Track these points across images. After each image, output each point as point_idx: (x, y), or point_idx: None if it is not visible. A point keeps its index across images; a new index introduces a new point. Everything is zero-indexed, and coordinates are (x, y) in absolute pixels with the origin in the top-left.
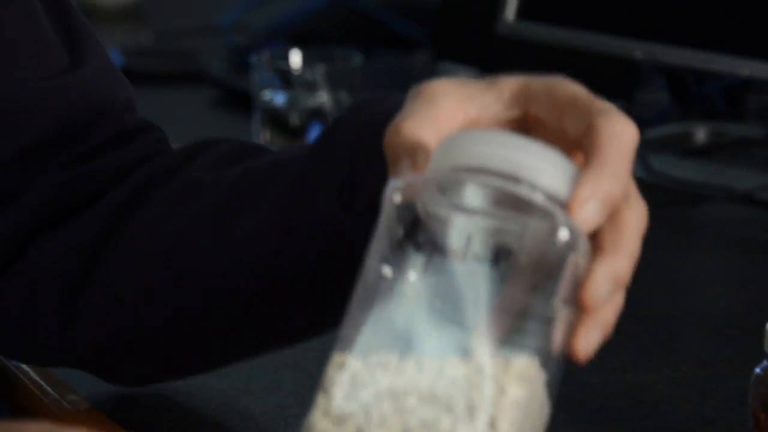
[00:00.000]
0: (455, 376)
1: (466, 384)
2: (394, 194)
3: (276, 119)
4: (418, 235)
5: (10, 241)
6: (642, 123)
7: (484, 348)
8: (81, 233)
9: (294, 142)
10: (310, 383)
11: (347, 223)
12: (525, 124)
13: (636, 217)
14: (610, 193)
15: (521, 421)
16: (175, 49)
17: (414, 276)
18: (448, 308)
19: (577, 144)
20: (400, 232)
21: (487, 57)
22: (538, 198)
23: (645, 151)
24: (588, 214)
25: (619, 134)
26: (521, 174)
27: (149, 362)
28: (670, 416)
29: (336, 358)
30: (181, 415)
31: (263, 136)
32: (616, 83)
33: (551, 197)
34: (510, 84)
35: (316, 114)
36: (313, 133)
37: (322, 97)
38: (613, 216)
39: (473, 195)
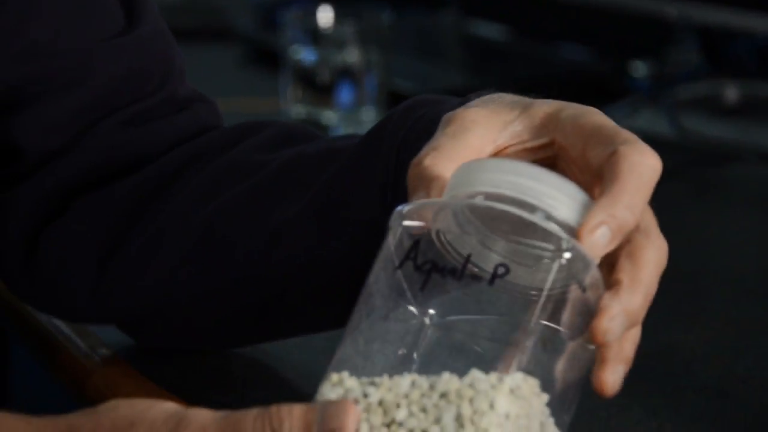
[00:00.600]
0: (447, 390)
1: (456, 398)
2: (403, 218)
3: (305, 77)
4: (423, 256)
5: (53, 197)
6: (672, 81)
7: (480, 365)
8: (122, 197)
9: (323, 100)
10: (339, 338)
11: (386, 224)
12: (552, 152)
13: (655, 254)
14: (623, 222)
15: None
16: (203, 6)
17: (418, 298)
18: (450, 329)
19: (599, 174)
20: (405, 253)
21: (516, 15)
22: (548, 225)
23: (675, 110)
24: (596, 240)
25: (640, 164)
26: (533, 201)
27: (176, 331)
28: (701, 375)
29: (333, 377)
30: (211, 371)
31: (293, 94)
32: (647, 42)
33: (563, 225)
34: (542, 110)
35: (346, 72)
36: (343, 90)
37: (352, 55)
38: (631, 251)
39: (486, 220)
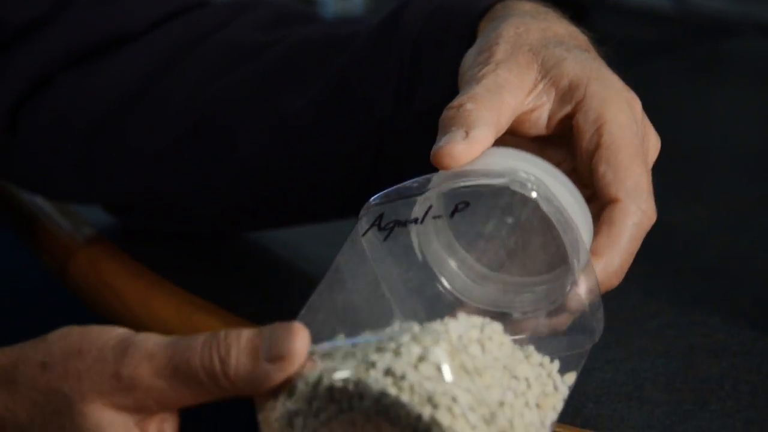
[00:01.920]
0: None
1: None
2: (370, 206)
3: None
4: (387, 219)
5: (35, 70)
6: None
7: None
8: (109, 73)
9: None
10: (330, 226)
11: (399, 123)
12: (570, 120)
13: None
14: (609, 286)
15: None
16: None
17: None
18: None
19: (595, 185)
20: (370, 224)
21: None
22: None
23: None
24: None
25: (639, 226)
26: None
27: (166, 216)
28: (701, 255)
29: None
30: (198, 251)
31: None
32: None
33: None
34: (567, 75)
35: None
36: None
37: None
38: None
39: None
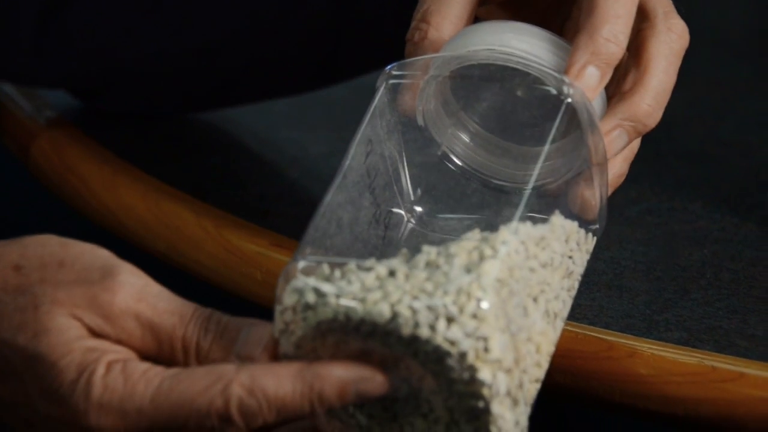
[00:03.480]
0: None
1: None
2: (390, 77)
3: None
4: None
5: None
6: None
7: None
8: None
9: None
10: (300, 103)
11: None
12: None
13: (664, 44)
14: (608, 56)
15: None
16: None
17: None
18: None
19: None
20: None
21: None
22: (543, 69)
23: None
24: (587, 82)
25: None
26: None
27: (129, 96)
28: (683, 139)
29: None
30: (164, 136)
31: None
32: None
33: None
34: None
35: None
36: None
37: None
38: (635, 47)
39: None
